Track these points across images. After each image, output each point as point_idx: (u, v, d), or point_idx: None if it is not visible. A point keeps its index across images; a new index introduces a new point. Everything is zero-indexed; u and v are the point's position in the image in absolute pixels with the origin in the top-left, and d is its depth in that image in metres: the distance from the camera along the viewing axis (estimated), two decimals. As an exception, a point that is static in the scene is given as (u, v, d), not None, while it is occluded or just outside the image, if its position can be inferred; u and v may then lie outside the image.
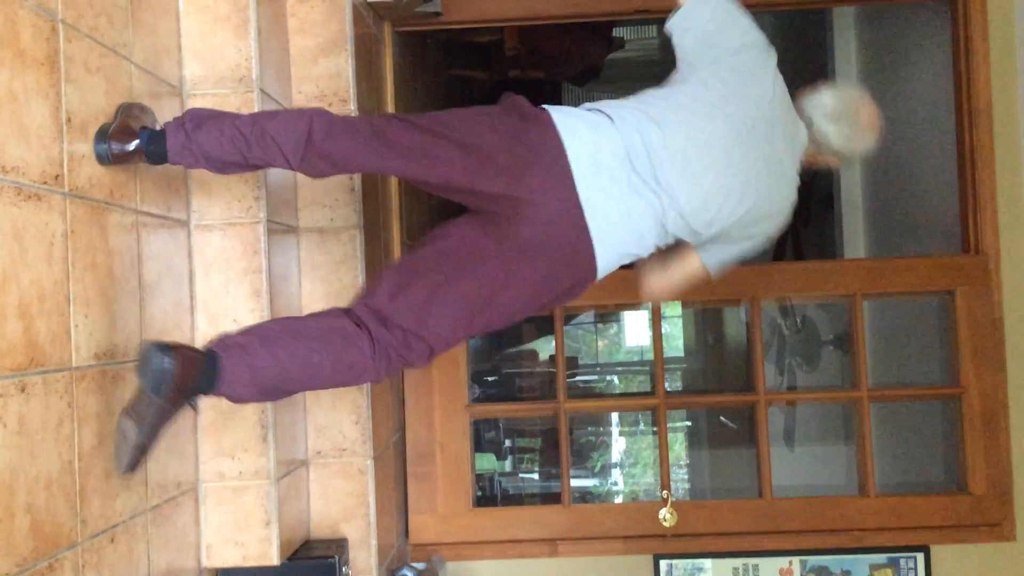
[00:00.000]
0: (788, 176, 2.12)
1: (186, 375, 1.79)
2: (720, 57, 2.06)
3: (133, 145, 1.91)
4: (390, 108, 3.39)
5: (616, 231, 1.96)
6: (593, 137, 1.94)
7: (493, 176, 1.91)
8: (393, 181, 3.38)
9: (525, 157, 1.91)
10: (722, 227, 2.05)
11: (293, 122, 1.97)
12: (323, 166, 2.00)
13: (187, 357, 1.80)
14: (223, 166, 1.99)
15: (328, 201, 2.77)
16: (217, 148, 1.93)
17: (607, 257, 1.97)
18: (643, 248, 2.04)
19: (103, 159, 1.88)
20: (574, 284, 2.01)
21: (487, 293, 1.97)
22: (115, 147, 1.88)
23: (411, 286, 1.97)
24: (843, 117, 2.14)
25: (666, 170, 1.96)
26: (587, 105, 2.04)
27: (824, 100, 2.16)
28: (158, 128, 1.97)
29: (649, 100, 2.04)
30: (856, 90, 2.23)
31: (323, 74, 2.77)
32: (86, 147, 1.85)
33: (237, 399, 1.96)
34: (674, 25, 2.10)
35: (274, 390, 1.97)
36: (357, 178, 2.80)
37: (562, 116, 1.96)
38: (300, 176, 2.77)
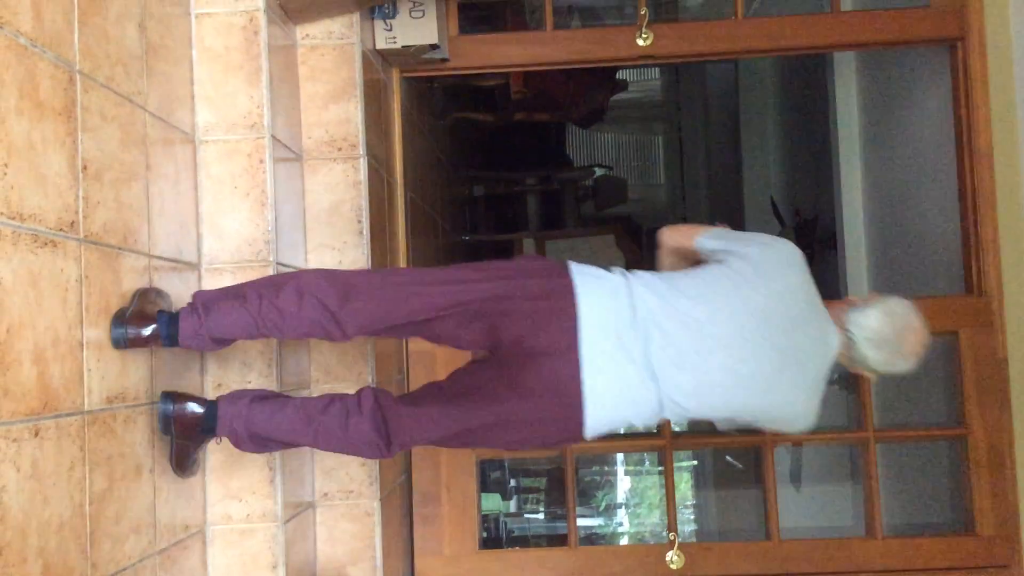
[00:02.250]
0: (810, 378, 2.04)
1: (188, 420, 2.02)
2: (745, 256, 2.06)
3: (149, 330, 1.96)
4: (397, 152, 3.44)
5: (609, 396, 1.98)
6: (606, 303, 1.98)
7: (510, 327, 1.99)
8: (401, 224, 3.41)
9: (543, 313, 1.97)
10: (725, 415, 2.07)
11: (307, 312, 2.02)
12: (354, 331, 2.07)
13: (188, 402, 2.04)
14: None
15: (337, 244, 2.81)
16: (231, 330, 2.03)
17: (596, 417, 1.99)
18: (639, 418, 2.05)
19: (119, 343, 1.93)
20: (561, 439, 2.10)
21: (478, 423, 2.05)
22: (131, 331, 1.93)
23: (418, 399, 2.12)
24: (887, 344, 2.04)
25: (668, 347, 1.98)
26: (617, 269, 2.08)
27: (870, 323, 2.04)
28: (174, 311, 2.04)
29: (673, 277, 2.07)
30: (903, 311, 2.06)
31: (333, 120, 2.82)
32: (100, 193, 1.88)
33: (237, 446, 2.12)
34: (698, 244, 2.15)
35: (268, 441, 2.11)
36: (365, 220, 2.84)
37: (582, 278, 2.01)
38: (309, 218, 2.82)
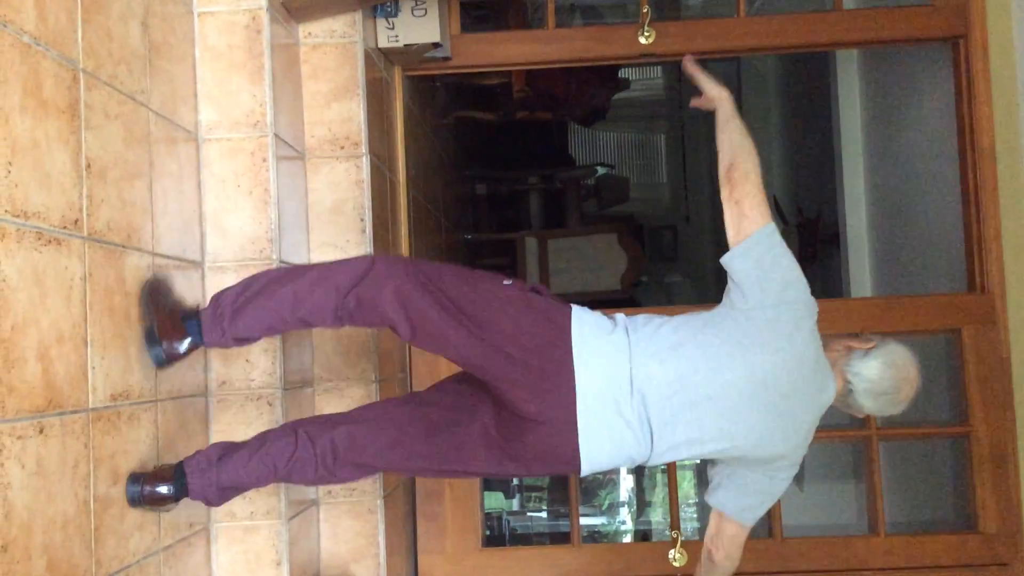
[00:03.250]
0: (802, 433, 2.06)
1: (157, 498, 1.99)
2: (762, 303, 2.01)
3: (185, 345, 2.01)
4: (400, 150, 3.44)
5: (606, 457, 2.01)
6: (604, 371, 1.96)
7: (508, 391, 1.97)
8: (404, 223, 3.42)
9: (543, 369, 1.95)
10: (719, 457, 2.09)
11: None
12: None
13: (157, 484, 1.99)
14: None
15: (340, 243, 2.81)
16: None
17: (592, 467, 2.01)
18: (632, 463, 2.08)
19: (160, 364, 2.01)
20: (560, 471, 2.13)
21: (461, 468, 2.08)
22: (167, 349, 2.00)
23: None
24: (884, 395, 2.06)
25: (665, 411, 1.98)
26: (620, 319, 2.04)
27: (871, 375, 2.05)
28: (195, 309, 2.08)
29: (681, 333, 2.02)
30: (903, 362, 2.06)
31: (335, 118, 2.82)
32: (103, 192, 1.89)
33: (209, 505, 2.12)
34: (727, 262, 2.08)
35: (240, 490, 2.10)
36: (368, 219, 2.84)
37: (581, 345, 1.97)
38: (312, 216, 2.82)
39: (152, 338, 1.99)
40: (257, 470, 2.02)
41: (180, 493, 1.99)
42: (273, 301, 2.00)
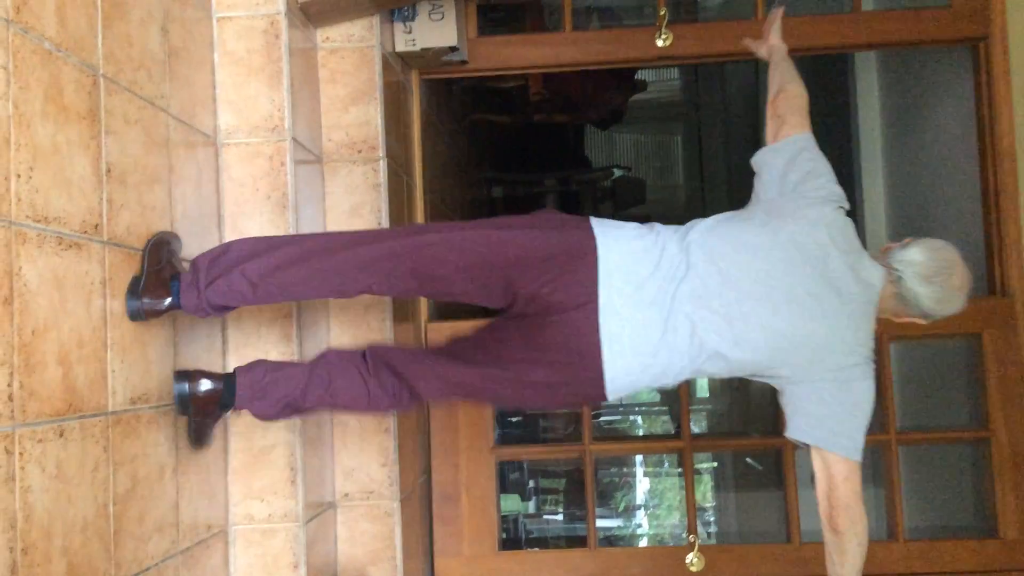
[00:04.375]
0: (847, 304, 1.95)
1: (205, 397, 2.04)
2: (783, 191, 2.03)
3: (167, 303, 1.94)
4: (417, 154, 3.45)
5: (629, 341, 1.89)
6: (627, 249, 1.92)
7: (531, 279, 1.91)
8: (419, 204, 3.42)
9: (561, 268, 1.90)
10: (762, 358, 1.94)
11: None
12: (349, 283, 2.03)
13: (202, 379, 2.04)
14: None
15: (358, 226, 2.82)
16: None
17: (616, 368, 1.89)
18: (668, 369, 1.93)
19: (136, 317, 1.93)
20: (581, 401, 2.12)
21: (491, 383, 2.00)
22: (147, 303, 1.92)
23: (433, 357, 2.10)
24: (937, 275, 1.99)
25: (697, 289, 1.90)
26: (636, 225, 2.01)
27: (916, 258, 1.99)
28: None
29: (700, 222, 2.01)
30: (943, 246, 2.03)
31: (353, 122, 2.83)
32: (123, 196, 1.90)
33: (256, 415, 2.12)
34: (755, 160, 2.10)
35: (286, 408, 2.10)
36: (385, 222, 2.85)
37: (602, 228, 1.96)
38: (330, 220, 2.83)
39: (135, 290, 1.91)
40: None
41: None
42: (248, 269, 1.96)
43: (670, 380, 1.97)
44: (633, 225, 2.00)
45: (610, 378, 1.90)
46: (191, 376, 2.06)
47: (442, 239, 1.96)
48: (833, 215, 2.00)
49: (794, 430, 1.96)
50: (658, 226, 2.00)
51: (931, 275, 1.97)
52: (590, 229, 1.95)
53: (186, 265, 2.04)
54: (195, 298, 1.94)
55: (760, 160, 2.08)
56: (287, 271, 1.95)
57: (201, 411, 2.08)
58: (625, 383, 1.93)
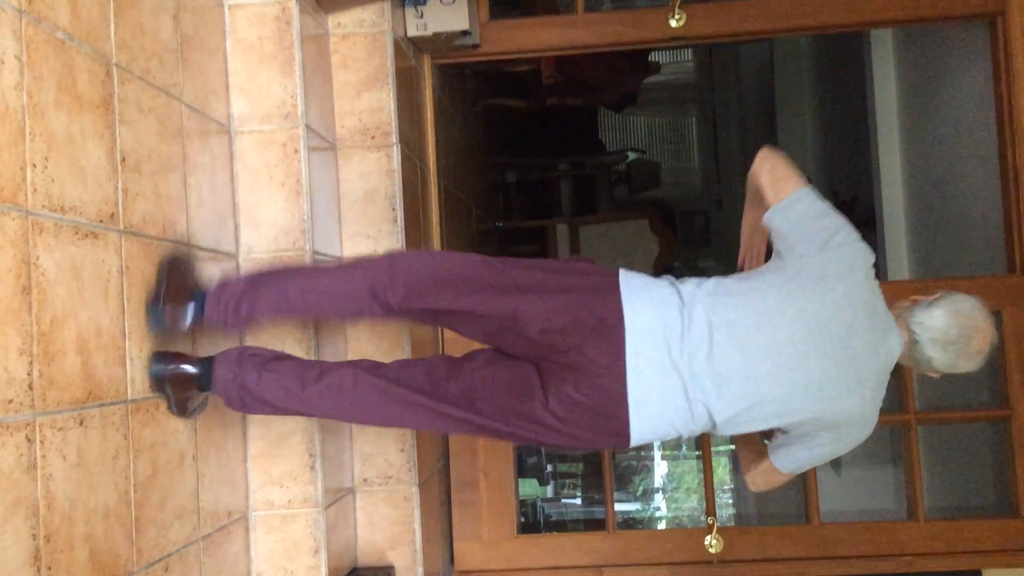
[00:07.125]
0: (867, 386, 1.96)
1: (182, 377, 1.99)
2: (808, 252, 1.97)
3: (189, 313, 1.98)
4: (430, 139, 3.44)
5: (654, 406, 1.91)
6: (654, 313, 1.91)
7: (556, 345, 1.91)
8: (435, 211, 3.42)
9: (589, 324, 1.89)
10: (775, 424, 2.01)
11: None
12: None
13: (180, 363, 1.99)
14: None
15: (371, 232, 2.82)
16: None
17: (641, 429, 1.93)
18: (684, 428, 1.98)
19: (158, 328, 1.94)
20: (604, 447, 2.13)
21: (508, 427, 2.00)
22: (169, 312, 1.94)
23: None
24: (953, 345, 1.95)
25: (712, 356, 1.90)
26: (666, 278, 2.00)
27: (936, 323, 1.95)
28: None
29: (727, 284, 1.99)
30: (970, 310, 1.96)
31: (365, 108, 2.83)
32: (138, 185, 1.91)
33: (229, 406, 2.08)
34: (767, 219, 2.05)
35: (260, 404, 2.06)
36: (399, 208, 2.85)
37: (629, 288, 1.94)
38: (344, 206, 2.83)
39: (156, 302, 1.92)
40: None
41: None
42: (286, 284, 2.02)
43: (685, 434, 2.02)
44: (659, 286, 1.96)
45: (635, 435, 1.94)
46: (169, 358, 1.97)
47: (471, 303, 2.00)
48: (859, 287, 1.96)
49: (776, 459, 2.11)
50: (681, 286, 1.96)
51: (949, 342, 1.95)
52: (618, 294, 1.92)
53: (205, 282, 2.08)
54: (221, 311, 1.99)
55: (772, 222, 2.02)
56: (318, 283, 2.06)
57: (180, 389, 1.99)
58: (647, 434, 1.97)
